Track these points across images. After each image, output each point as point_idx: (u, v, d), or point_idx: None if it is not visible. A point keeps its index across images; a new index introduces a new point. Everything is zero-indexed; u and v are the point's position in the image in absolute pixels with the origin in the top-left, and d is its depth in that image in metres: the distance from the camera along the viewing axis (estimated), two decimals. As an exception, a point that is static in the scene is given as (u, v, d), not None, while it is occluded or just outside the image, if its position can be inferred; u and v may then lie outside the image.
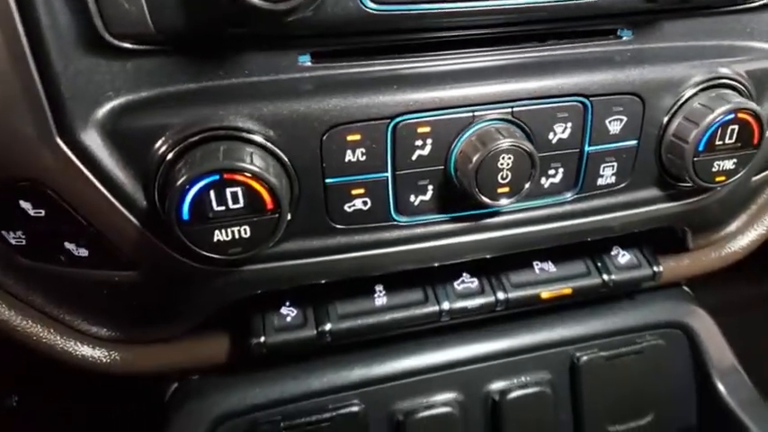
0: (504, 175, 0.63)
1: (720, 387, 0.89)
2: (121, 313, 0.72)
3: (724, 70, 0.68)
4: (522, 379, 0.84)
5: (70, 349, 0.72)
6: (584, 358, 0.85)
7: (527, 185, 0.64)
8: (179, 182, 0.55)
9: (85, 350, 0.73)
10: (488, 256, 0.74)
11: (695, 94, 0.68)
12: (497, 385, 0.84)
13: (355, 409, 0.79)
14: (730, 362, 0.91)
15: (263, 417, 0.78)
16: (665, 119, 0.69)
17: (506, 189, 0.63)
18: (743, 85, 0.69)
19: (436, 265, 0.73)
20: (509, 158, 0.62)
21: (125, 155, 0.58)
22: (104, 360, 0.74)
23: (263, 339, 0.73)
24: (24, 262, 0.65)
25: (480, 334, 0.85)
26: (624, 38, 0.69)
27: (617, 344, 0.87)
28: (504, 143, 0.61)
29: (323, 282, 0.72)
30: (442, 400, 0.82)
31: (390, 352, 0.82)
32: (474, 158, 0.61)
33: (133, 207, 0.60)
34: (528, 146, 0.62)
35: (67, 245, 0.63)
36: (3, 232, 0.62)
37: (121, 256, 0.63)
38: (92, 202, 0.59)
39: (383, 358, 0.82)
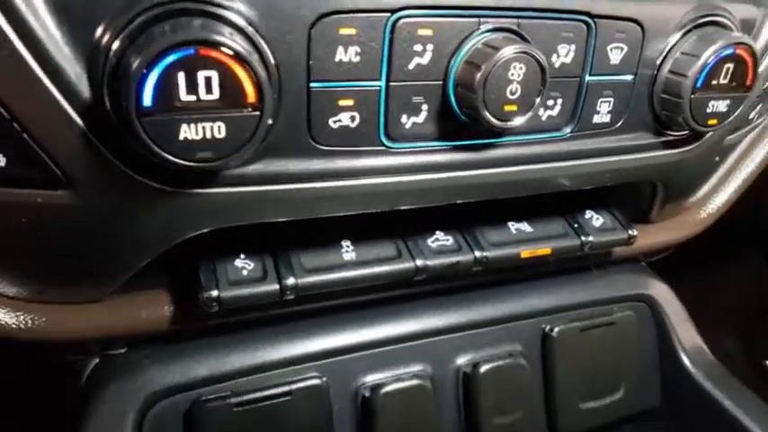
0: (514, 89, 0.53)
1: (684, 358, 0.83)
2: (39, 259, 0.54)
3: (721, 8, 0.63)
4: (494, 351, 0.73)
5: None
6: (558, 329, 0.75)
7: (537, 101, 0.54)
8: (142, 55, 0.41)
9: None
10: (478, 200, 0.63)
11: (691, 30, 0.62)
12: (468, 357, 0.72)
13: (316, 382, 0.64)
14: (692, 334, 0.85)
15: (209, 393, 0.61)
16: (661, 56, 0.62)
17: (515, 107, 0.53)
18: (735, 26, 0.64)
19: (409, 209, 0.60)
20: (521, 68, 0.52)
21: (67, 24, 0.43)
22: (12, 325, 0.55)
23: (215, 293, 0.57)
24: None
25: (448, 304, 0.73)
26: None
27: (588, 315, 0.78)
28: (519, 48, 0.51)
29: (284, 228, 0.58)
30: (412, 373, 0.69)
31: (352, 320, 0.69)
32: (483, 66, 0.51)
33: (74, 98, 0.44)
34: (540, 55, 0.52)
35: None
36: None
37: (51, 169, 0.47)
38: (19, 85, 0.43)
39: (345, 327, 0.68)
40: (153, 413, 0.60)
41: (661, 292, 0.84)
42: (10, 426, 0.84)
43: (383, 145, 0.54)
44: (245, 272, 0.60)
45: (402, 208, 0.58)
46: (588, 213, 0.76)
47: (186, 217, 0.51)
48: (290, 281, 0.60)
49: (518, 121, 0.54)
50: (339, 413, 0.66)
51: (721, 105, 0.64)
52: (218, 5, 0.45)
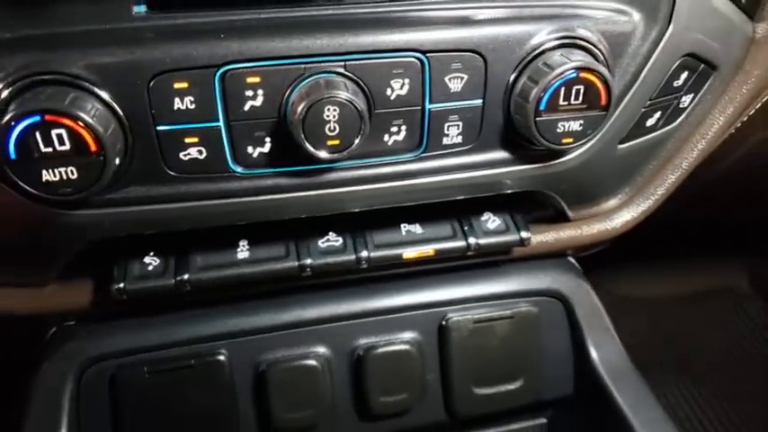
0: (332, 128, 0.59)
1: (594, 357, 0.85)
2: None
3: (574, 30, 0.63)
4: (389, 337, 0.81)
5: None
6: (452, 320, 0.81)
7: (357, 141, 0.60)
8: (4, 119, 0.53)
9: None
10: (349, 211, 0.70)
11: (540, 54, 0.63)
12: (364, 341, 0.80)
13: (219, 358, 0.76)
14: (607, 333, 0.87)
15: (129, 362, 0.75)
16: (511, 78, 0.64)
17: (336, 142, 0.60)
18: (593, 45, 0.64)
19: (303, 218, 0.69)
20: (334, 110, 0.58)
21: None
22: (-24, 302, 0.72)
23: (122, 285, 0.70)
24: None
25: (351, 292, 0.81)
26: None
27: (489, 309, 0.83)
28: (326, 94, 0.57)
29: (181, 233, 0.69)
30: (307, 353, 0.79)
31: (259, 306, 0.79)
32: (299, 108, 0.57)
33: None
34: (350, 98, 0.58)
35: None
36: None
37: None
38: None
39: (251, 311, 0.78)
40: (88, 374, 0.75)
41: (575, 288, 0.86)
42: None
43: (232, 171, 0.63)
44: (150, 267, 0.72)
45: (253, 222, 0.67)
46: (486, 216, 0.80)
47: (78, 230, 0.64)
48: (185, 276, 0.71)
49: (343, 154, 0.60)
50: (239, 386, 0.77)
51: (574, 125, 0.65)
52: (75, 76, 0.56)
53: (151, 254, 0.73)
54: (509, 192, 0.74)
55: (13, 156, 0.55)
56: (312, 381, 0.78)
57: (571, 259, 0.91)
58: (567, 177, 0.74)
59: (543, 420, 0.94)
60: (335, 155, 0.60)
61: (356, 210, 0.69)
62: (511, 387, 0.84)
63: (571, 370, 0.87)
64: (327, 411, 0.79)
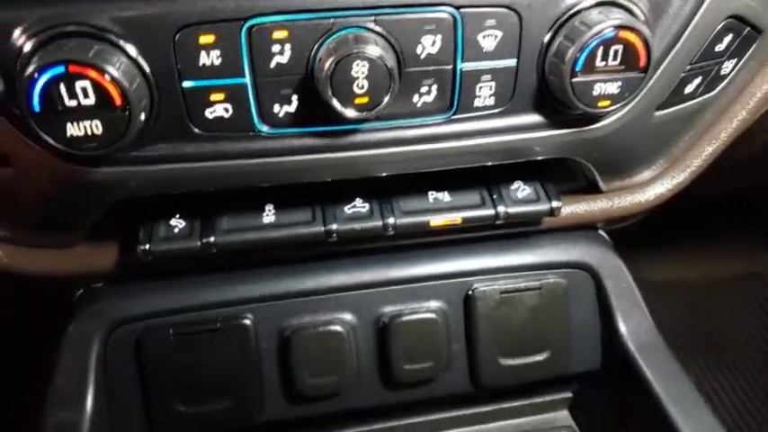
0: (361, 85, 0.56)
1: (623, 331, 0.82)
2: (11, 215, 0.68)
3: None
4: (415, 305, 0.78)
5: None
6: (479, 290, 0.79)
7: (386, 99, 0.57)
8: (27, 71, 0.52)
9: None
10: (384, 174, 0.67)
11: (577, 12, 0.60)
12: (389, 309, 0.78)
13: (245, 322, 0.75)
14: (637, 307, 0.83)
15: (155, 324, 0.74)
16: (547, 37, 0.61)
17: (364, 100, 0.57)
18: (633, 3, 0.61)
19: (329, 180, 0.67)
20: (363, 66, 0.55)
21: None
22: (6, 260, 0.71)
23: (147, 247, 0.68)
24: None
25: (377, 260, 0.79)
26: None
27: (516, 280, 0.80)
28: (355, 49, 0.54)
29: (206, 196, 0.67)
30: (332, 319, 0.77)
31: (285, 272, 0.77)
32: (326, 64, 0.55)
33: None
34: (380, 54, 0.55)
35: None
36: None
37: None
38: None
39: (277, 277, 0.77)
40: (114, 336, 0.74)
41: (605, 260, 0.83)
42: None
43: (258, 131, 0.61)
44: (176, 230, 0.70)
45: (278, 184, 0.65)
46: (515, 184, 0.76)
47: (100, 189, 0.62)
48: (211, 239, 0.69)
49: (371, 113, 0.58)
50: (264, 351, 0.76)
51: (611, 87, 0.62)
52: (100, 29, 0.54)
53: (177, 216, 0.71)
54: (540, 159, 0.71)
55: (37, 108, 0.53)
56: (337, 347, 0.76)
57: (601, 232, 0.88)
58: (600, 145, 0.70)
59: (568, 394, 0.91)
60: (363, 113, 0.58)
61: (383, 174, 0.67)
62: (537, 359, 0.82)
63: (599, 344, 0.84)
64: (351, 378, 0.78)
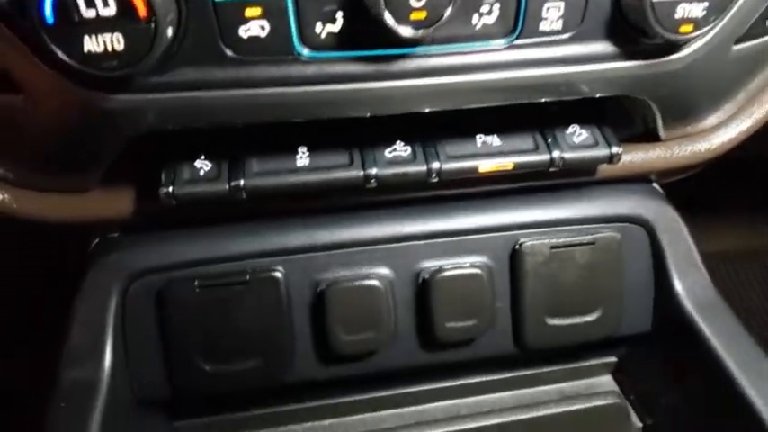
0: (419, -4, 0.49)
1: (678, 289, 0.75)
2: (19, 153, 0.61)
3: None
4: (457, 260, 0.72)
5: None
6: (527, 245, 0.72)
7: (446, 13, 0.50)
8: None
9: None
10: (426, 110, 0.60)
11: None
12: (429, 264, 0.72)
13: (275, 275, 0.68)
14: (694, 263, 0.77)
15: (178, 275, 0.67)
16: (624, -47, 0.53)
17: (422, 15, 0.50)
18: None
19: (367, 117, 0.59)
20: (423, -27, 0.48)
21: None
22: (14, 205, 0.64)
23: (171, 189, 0.62)
24: None
25: (417, 212, 0.72)
26: None
27: (566, 234, 0.73)
28: (417, -47, 0.47)
29: (234, 134, 0.60)
30: (369, 273, 0.70)
31: (318, 222, 0.70)
32: (381, -30, 0.47)
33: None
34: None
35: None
36: None
37: (7, 76, 0.53)
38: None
39: (309, 228, 0.70)
40: (133, 288, 0.67)
41: (661, 214, 0.76)
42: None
43: (297, 54, 0.53)
44: (201, 172, 0.63)
45: (324, 118, 0.58)
46: (572, 128, 0.69)
47: (117, 120, 0.55)
48: (240, 182, 0.62)
49: (429, 30, 0.50)
50: (296, 306, 0.70)
51: (696, 9, 0.54)
52: None
53: (202, 158, 0.64)
54: (603, 97, 0.63)
55: (50, 20, 0.46)
56: (373, 303, 0.70)
57: (656, 185, 0.81)
58: (672, 81, 0.63)
59: (612, 359, 0.85)
60: (419, 32, 0.50)
61: (433, 109, 0.59)
62: (587, 319, 0.75)
63: (651, 303, 0.77)
64: (389, 335, 0.71)
